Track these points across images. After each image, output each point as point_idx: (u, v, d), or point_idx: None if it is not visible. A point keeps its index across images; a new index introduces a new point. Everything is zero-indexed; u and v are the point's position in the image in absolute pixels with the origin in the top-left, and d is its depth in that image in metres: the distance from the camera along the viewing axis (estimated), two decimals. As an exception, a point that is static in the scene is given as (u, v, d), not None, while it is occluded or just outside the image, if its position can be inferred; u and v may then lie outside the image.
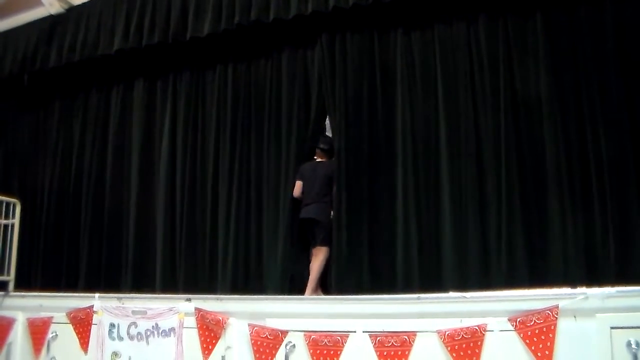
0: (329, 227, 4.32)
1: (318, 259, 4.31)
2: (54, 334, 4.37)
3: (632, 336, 2.76)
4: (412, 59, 4.29)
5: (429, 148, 4.14)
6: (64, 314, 4.36)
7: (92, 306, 4.27)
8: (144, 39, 4.99)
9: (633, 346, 2.74)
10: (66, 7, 5.58)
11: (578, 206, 3.70)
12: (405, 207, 4.09)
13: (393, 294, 3.62)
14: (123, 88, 5.49)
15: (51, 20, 5.63)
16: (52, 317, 4.40)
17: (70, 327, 4.33)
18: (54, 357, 4.34)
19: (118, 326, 4.17)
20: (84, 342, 4.25)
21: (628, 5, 3.73)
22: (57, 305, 4.44)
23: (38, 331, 4.42)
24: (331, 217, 4.35)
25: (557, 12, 3.92)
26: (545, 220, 3.76)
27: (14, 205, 5.06)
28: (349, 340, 3.33)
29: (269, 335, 3.55)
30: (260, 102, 4.78)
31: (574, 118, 3.79)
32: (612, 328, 2.82)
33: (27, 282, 5.28)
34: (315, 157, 4.59)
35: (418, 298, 3.31)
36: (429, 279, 3.91)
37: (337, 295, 3.94)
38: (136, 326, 4.10)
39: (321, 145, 4.59)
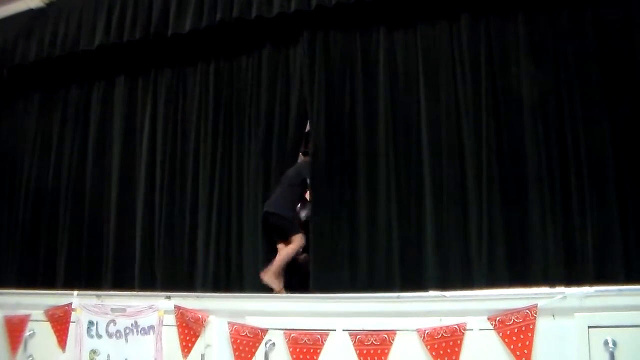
0: (290, 219, 4.30)
1: (291, 246, 4.24)
2: (31, 331, 4.32)
3: (609, 335, 2.79)
4: (395, 58, 4.29)
5: (410, 148, 4.14)
6: (42, 311, 4.31)
7: (71, 304, 4.23)
8: (125, 35, 4.94)
9: (610, 345, 2.77)
10: (46, 1, 5.51)
11: (557, 206, 3.73)
12: (387, 208, 4.09)
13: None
14: (104, 84, 5.43)
15: (31, 15, 5.55)
16: (29, 314, 4.35)
17: (48, 324, 4.28)
18: (31, 355, 4.29)
19: (97, 324, 4.13)
20: (62, 340, 4.22)
21: (609, 5, 3.77)
22: (34, 303, 4.39)
23: (15, 329, 4.37)
24: (297, 210, 4.35)
25: (538, 12, 3.94)
26: (525, 221, 3.78)
27: (-10, 202, 5.02)
28: (328, 338, 3.33)
29: (249, 333, 3.54)
30: (241, 100, 4.74)
31: (555, 118, 3.82)
32: (589, 327, 2.84)
33: (1, 280, 5.20)
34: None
35: (398, 297, 3.32)
36: (410, 280, 3.91)
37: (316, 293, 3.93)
38: (115, 324, 4.07)
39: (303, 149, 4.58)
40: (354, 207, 4.18)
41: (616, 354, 2.76)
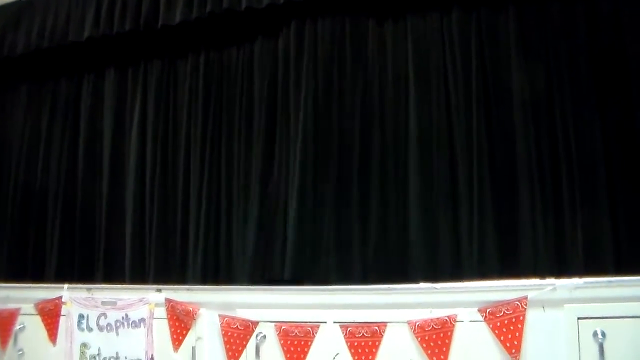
0: None
1: None
2: (21, 325, 4.30)
3: (599, 326, 2.81)
4: (384, 50, 4.27)
5: (398, 141, 4.13)
6: (32, 305, 4.29)
7: (61, 297, 4.22)
8: (114, 27, 4.89)
9: (599, 336, 2.79)
10: (35, -9, 5.47)
11: (548, 199, 3.72)
12: (375, 199, 4.08)
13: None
14: (94, 77, 5.38)
15: (19, 5, 5.49)
16: (19, 308, 4.33)
17: (38, 318, 4.26)
18: (21, 350, 4.28)
19: (87, 317, 4.12)
20: (53, 333, 4.20)
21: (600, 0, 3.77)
22: (24, 297, 4.36)
23: (5, 323, 4.34)
24: None
25: (529, 6, 3.93)
26: (515, 215, 3.78)
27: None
28: (319, 330, 3.33)
29: (240, 325, 3.54)
30: (232, 92, 4.71)
31: (545, 113, 3.82)
32: (579, 318, 2.86)
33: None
34: None
35: (388, 289, 3.32)
36: (399, 273, 3.89)
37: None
38: (106, 317, 4.06)
39: None
40: (342, 199, 4.16)
41: (605, 345, 2.78)
